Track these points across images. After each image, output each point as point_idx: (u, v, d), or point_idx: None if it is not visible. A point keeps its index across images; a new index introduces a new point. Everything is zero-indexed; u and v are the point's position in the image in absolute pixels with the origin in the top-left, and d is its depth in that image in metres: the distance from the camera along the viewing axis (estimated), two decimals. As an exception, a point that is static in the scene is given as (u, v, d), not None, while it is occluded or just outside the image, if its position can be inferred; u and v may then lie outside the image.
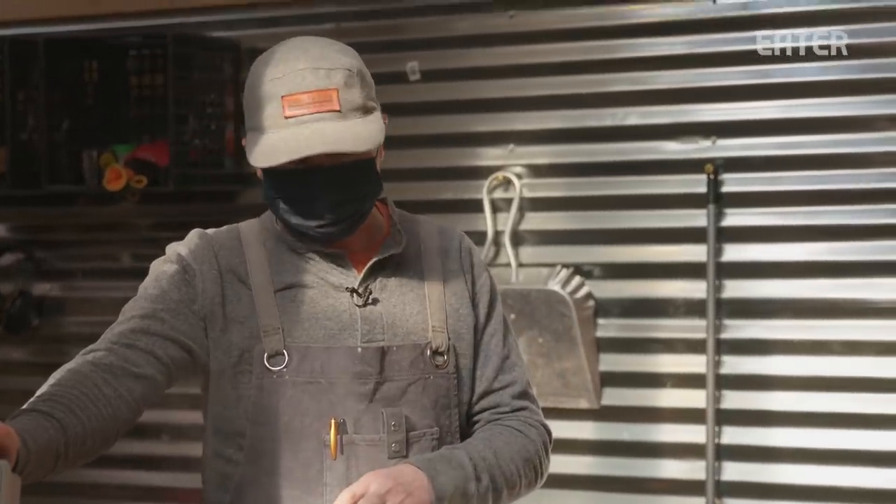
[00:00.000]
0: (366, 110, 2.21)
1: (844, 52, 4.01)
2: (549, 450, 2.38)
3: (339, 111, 2.16)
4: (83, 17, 4.87)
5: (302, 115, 2.16)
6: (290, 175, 2.19)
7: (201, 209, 4.73)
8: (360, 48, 4.45)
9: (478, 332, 2.35)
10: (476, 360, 2.34)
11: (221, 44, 4.64)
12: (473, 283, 2.37)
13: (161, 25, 4.74)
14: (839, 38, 4.03)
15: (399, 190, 4.43)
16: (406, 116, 4.48)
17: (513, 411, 2.35)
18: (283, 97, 2.17)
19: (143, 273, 4.08)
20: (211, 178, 4.62)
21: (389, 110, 4.39)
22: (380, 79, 4.42)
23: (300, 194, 2.20)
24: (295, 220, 2.23)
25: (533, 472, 2.33)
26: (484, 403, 2.34)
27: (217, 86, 4.62)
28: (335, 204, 2.20)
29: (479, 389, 2.34)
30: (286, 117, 2.16)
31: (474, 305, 2.35)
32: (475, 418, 2.35)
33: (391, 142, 4.40)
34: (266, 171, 2.21)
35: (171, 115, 4.45)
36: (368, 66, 4.51)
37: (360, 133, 2.18)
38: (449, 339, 2.29)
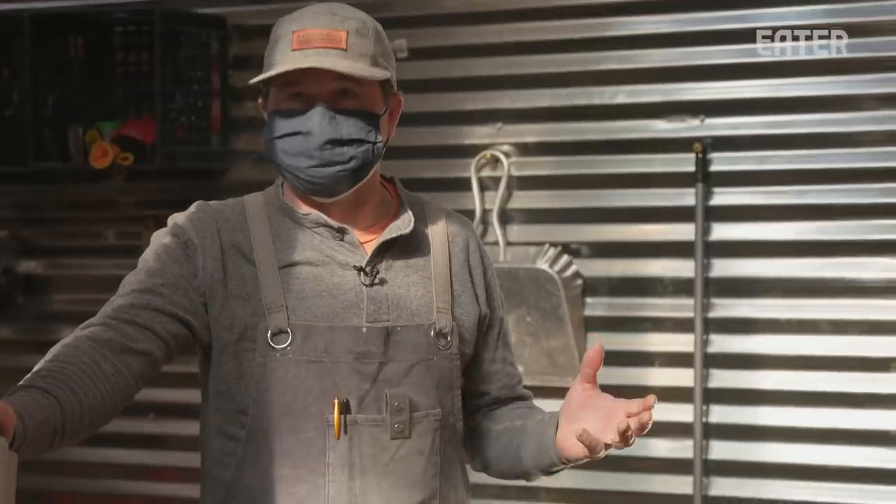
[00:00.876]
0: (374, 62, 2.20)
1: (833, 32, 4.02)
2: None
3: (344, 50, 2.17)
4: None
5: (308, 48, 2.17)
6: (289, 113, 2.20)
7: (188, 187, 4.71)
8: (348, 26, 4.48)
9: (494, 323, 2.38)
10: (492, 351, 2.39)
11: (209, 20, 4.61)
12: (485, 272, 2.39)
13: (148, 1, 4.71)
14: (828, 16, 4.04)
15: (387, 168, 4.41)
16: (393, 94, 4.47)
17: (528, 400, 2.46)
18: (293, 32, 2.18)
19: (129, 250, 4.07)
20: (198, 155, 4.60)
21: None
22: (368, 56, 4.45)
23: (295, 130, 2.19)
24: (287, 159, 2.21)
25: None
26: (504, 392, 2.42)
27: (204, 63, 4.59)
28: (329, 143, 2.19)
29: (500, 381, 2.40)
30: (293, 49, 2.17)
31: (489, 297, 2.37)
32: (492, 408, 2.40)
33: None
34: (271, 113, 2.22)
35: (158, 91, 4.43)
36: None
37: (362, 67, 2.17)
38: (453, 321, 2.29)
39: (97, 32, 4.75)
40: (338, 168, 2.21)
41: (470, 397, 2.38)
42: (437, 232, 2.35)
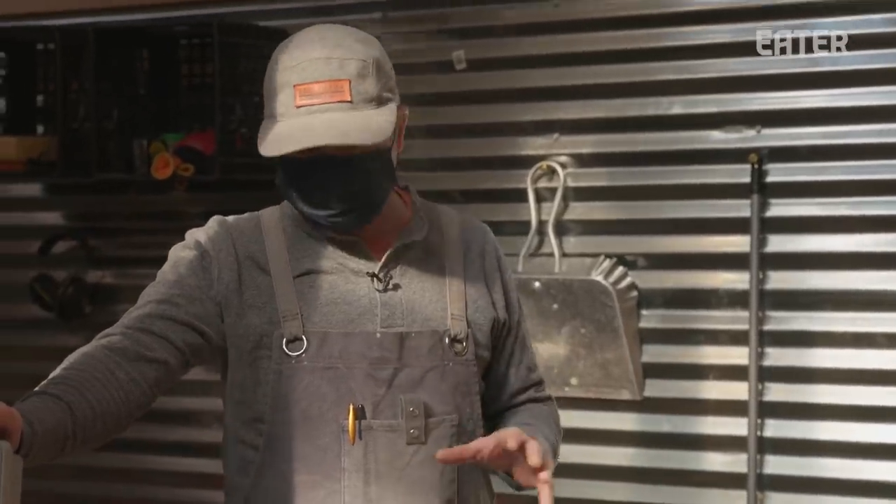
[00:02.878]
0: (380, 102, 2.19)
1: (890, 40, 3.96)
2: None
3: (350, 102, 2.16)
4: (134, 6, 4.91)
5: (312, 105, 2.15)
6: (301, 165, 2.19)
7: (246, 197, 4.73)
8: (407, 37, 4.55)
9: (511, 327, 2.38)
10: (509, 356, 2.39)
11: (268, 32, 4.66)
12: (502, 276, 2.38)
13: (211, 14, 4.77)
14: (887, 25, 3.98)
15: (444, 179, 4.46)
16: (452, 105, 4.49)
17: (544, 402, 2.45)
18: (295, 86, 2.17)
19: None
20: (255, 166, 4.63)
21: (435, 99, 4.47)
22: (426, 68, 4.52)
23: (310, 184, 2.21)
24: (306, 209, 2.23)
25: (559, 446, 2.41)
26: (517, 399, 2.41)
27: (263, 75, 4.62)
28: (345, 195, 2.20)
29: (514, 386, 2.40)
30: (297, 106, 2.16)
31: (507, 303, 2.37)
32: (512, 411, 2.39)
33: (437, 131, 4.48)
34: (281, 159, 2.22)
35: (217, 103, 4.48)
36: (414, 56, 4.57)
37: (370, 125, 2.17)
38: (468, 326, 2.29)
39: (163, 45, 4.82)
40: (356, 214, 2.23)
41: (489, 402, 2.39)
42: (453, 238, 2.35)
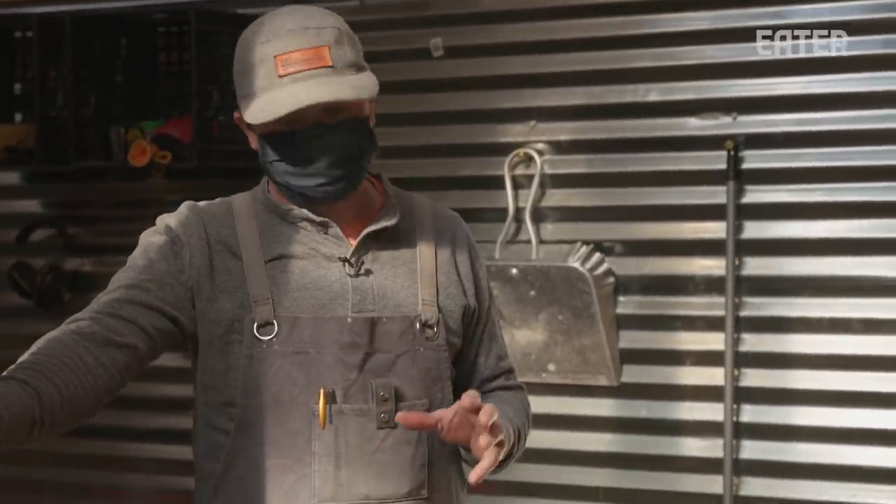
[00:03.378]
0: (358, 68, 2.22)
1: (865, 27, 3.97)
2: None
3: (332, 66, 2.18)
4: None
5: (296, 73, 2.17)
6: (289, 136, 2.21)
7: (224, 184, 4.71)
8: (385, 25, 4.55)
9: (481, 314, 2.39)
10: (478, 344, 2.40)
11: (246, 20, 4.61)
12: (473, 264, 2.39)
13: (189, 2, 4.76)
14: (863, 12, 3.99)
15: (421, 166, 4.46)
16: (429, 93, 4.50)
17: (514, 389, 2.46)
18: (275, 57, 2.17)
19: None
20: (233, 154, 4.63)
21: (412, 87, 4.48)
22: (403, 55, 4.51)
23: (300, 154, 2.21)
24: (295, 181, 2.23)
25: (523, 444, 2.39)
26: (489, 386, 2.42)
27: (240, 61, 4.61)
28: (335, 162, 2.21)
29: (484, 373, 2.41)
30: (280, 76, 2.17)
31: (477, 291, 2.38)
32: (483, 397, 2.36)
33: (415, 118, 4.48)
34: (265, 136, 2.23)
35: (194, 91, 4.47)
36: (392, 43, 4.57)
37: (356, 84, 2.19)
38: (439, 312, 2.30)
39: (140, 33, 4.81)
40: (345, 182, 2.24)
41: (460, 390, 2.38)
42: (425, 225, 2.36)
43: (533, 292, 4.23)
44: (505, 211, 4.36)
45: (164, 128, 4.67)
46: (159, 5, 4.81)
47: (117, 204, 5.03)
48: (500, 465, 2.24)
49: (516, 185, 4.39)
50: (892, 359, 3.98)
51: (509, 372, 2.46)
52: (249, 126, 2.27)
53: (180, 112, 4.73)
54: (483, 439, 2.13)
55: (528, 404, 2.47)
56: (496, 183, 4.40)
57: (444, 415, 2.11)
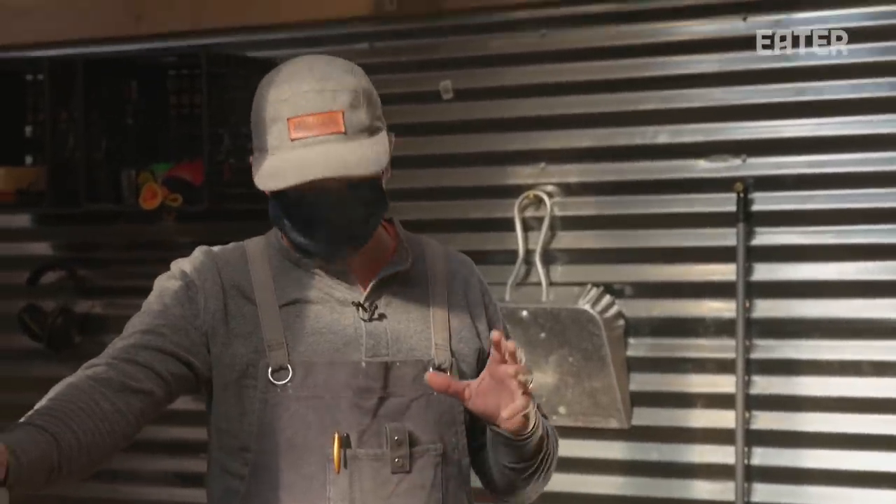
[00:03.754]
0: (372, 131, 2.22)
1: (874, 69, 3.99)
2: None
3: (344, 133, 2.18)
4: (123, 37, 4.93)
5: (307, 138, 2.17)
6: (297, 198, 2.21)
7: (235, 227, 4.73)
8: (394, 67, 4.57)
9: (484, 356, 2.35)
10: None
11: (256, 63, 4.68)
12: (486, 307, 2.39)
13: (199, 46, 4.79)
14: (870, 54, 4.00)
15: (430, 209, 4.47)
16: (439, 135, 4.51)
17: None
18: (288, 119, 2.18)
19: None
20: (245, 196, 4.64)
21: (422, 129, 4.50)
22: (413, 98, 4.53)
23: (307, 217, 2.22)
24: (301, 240, 2.24)
25: (554, 460, 2.37)
26: None
27: (251, 105, 4.64)
28: (342, 226, 2.22)
29: None
30: (292, 139, 2.17)
31: (491, 328, 2.36)
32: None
33: (424, 160, 4.50)
34: (275, 194, 2.23)
35: (206, 133, 4.49)
36: (402, 86, 4.59)
37: (366, 155, 2.19)
38: (452, 356, 2.30)
39: (151, 76, 4.84)
40: (347, 246, 2.25)
41: (473, 431, 2.38)
42: (437, 269, 2.36)
43: (543, 335, 4.23)
44: (515, 253, 4.36)
45: (174, 171, 4.69)
46: (170, 48, 4.84)
47: (128, 246, 5.05)
48: (533, 459, 2.25)
49: (526, 228, 4.40)
50: (902, 402, 3.97)
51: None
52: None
53: (191, 155, 4.75)
54: (510, 370, 2.11)
55: (554, 432, 2.41)
56: (506, 225, 4.41)
57: (472, 382, 2.13)
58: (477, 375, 2.33)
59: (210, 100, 4.50)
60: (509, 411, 2.12)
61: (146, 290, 5.28)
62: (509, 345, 2.11)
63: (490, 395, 2.14)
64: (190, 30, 4.88)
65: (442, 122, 4.51)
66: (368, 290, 2.28)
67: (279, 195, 2.22)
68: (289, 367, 2.23)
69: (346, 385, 2.23)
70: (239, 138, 4.62)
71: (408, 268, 2.32)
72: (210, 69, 4.50)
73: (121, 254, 5.06)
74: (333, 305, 2.27)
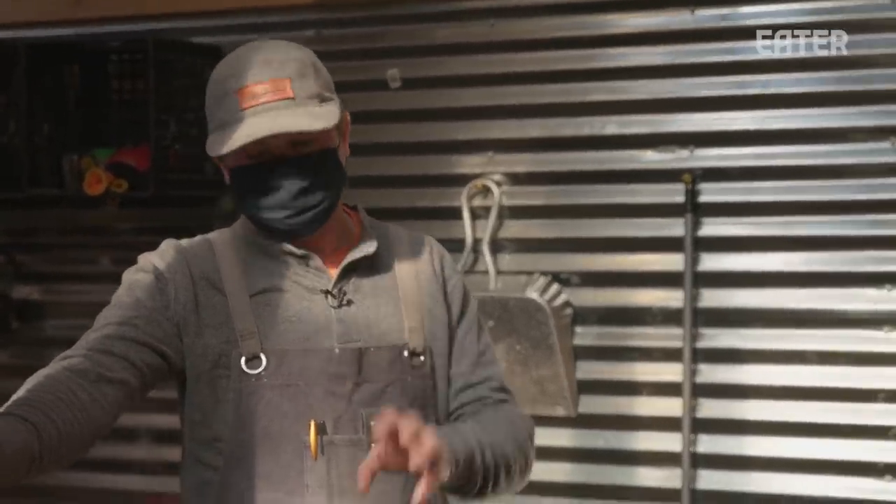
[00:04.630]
0: (322, 99, 2.23)
1: (820, 64, 4.05)
2: (534, 440, 2.39)
3: (293, 98, 2.19)
4: (64, 21, 4.87)
5: (257, 105, 2.18)
6: (254, 169, 2.22)
7: (181, 214, 4.74)
8: (341, 55, 4.55)
9: (452, 331, 2.37)
10: (450, 357, 2.36)
11: (203, 49, 4.65)
12: (445, 283, 2.39)
13: (142, 31, 4.75)
14: (816, 49, 4.06)
15: (379, 196, 4.46)
16: (386, 123, 4.51)
17: (495, 403, 2.37)
18: (237, 91, 2.19)
19: (122, 277, 4.00)
20: (191, 183, 4.62)
21: (370, 117, 4.49)
22: (360, 86, 4.52)
23: (265, 186, 2.23)
24: (262, 213, 2.25)
25: (524, 460, 2.34)
26: (463, 397, 2.36)
27: (198, 91, 4.56)
28: (300, 193, 2.22)
29: (456, 385, 2.36)
30: (242, 109, 2.19)
31: (448, 305, 2.38)
32: (457, 412, 2.36)
33: (372, 149, 4.49)
34: (233, 170, 2.24)
35: (152, 119, 4.46)
36: (349, 74, 4.58)
37: (316, 114, 2.20)
38: (425, 339, 2.31)
39: (93, 61, 4.78)
40: (312, 213, 2.25)
41: (448, 414, 2.37)
42: (403, 252, 2.38)
43: (491, 323, 4.25)
44: (463, 242, 4.38)
45: (117, 156, 4.64)
46: (115, 33, 4.79)
47: (68, 231, 5.00)
48: (469, 483, 2.19)
49: (474, 216, 4.42)
50: (845, 390, 4.04)
51: (489, 380, 2.37)
52: (221, 160, 2.27)
53: (134, 140, 4.70)
54: (416, 458, 2.01)
55: (521, 417, 2.38)
56: (454, 214, 4.43)
57: (377, 451, 2.04)
58: (448, 354, 2.34)
59: (157, 86, 4.46)
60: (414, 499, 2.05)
61: (85, 277, 5.25)
62: (403, 437, 2.00)
63: (398, 457, 2.03)
64: (132, 14, 4.83)
65: (389, 111, 4.51)
66: (335, 276, 2.29)
67: (236, 172, 2.24)
68: (262, 356, 2.23)
69: (321, 372, 2.23)
70: (184, 124, 4.59)
71: (374, 252, 2.33)
72: (157, 55, 4.46)
73: (61, 239, 5.01)
74: (302, 293, 2.27)
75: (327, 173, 2.25)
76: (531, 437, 2.38)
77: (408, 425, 2.02)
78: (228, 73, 2.21)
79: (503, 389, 2.40)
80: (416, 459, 2.00)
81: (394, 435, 2.01)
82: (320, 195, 2.24)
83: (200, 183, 4.65)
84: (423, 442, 2.01)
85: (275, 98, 2.18)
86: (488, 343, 2.42)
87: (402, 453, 2.03)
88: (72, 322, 4.90)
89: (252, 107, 2.18)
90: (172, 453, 4.62)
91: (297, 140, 2.21)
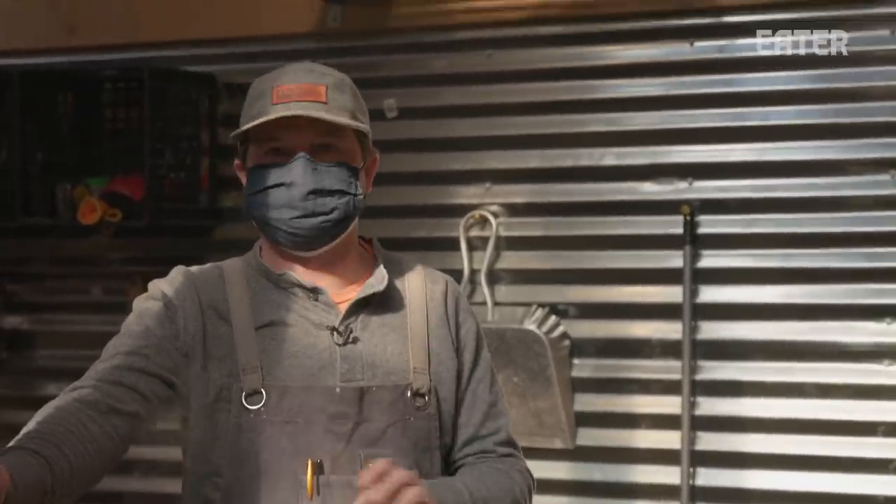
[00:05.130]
0: (353, 117, 2.23)
1: (820, 96, 4.05)
2: (532, 495, 2.36)
3: (325, 103, 2.20)
4: (58, 49, 4.85)
5: (289, 102, 2.19)
6: (271, 166, 2.22)
7: (175, 244, 4.72)
8: (338, 85, 4.49)
9: (462, 378, 2.34)
10: (460, 406, 2.33)
11: (198, 78, 4.63)
12: (458, 329, 2.36)
13: (136, 59, 4.73)
14: (814, 82, 4.06)
15: (376, 227, 4.39)
16: (383, 153, 4.40)
17: (498, 457, 2.35)
18: (273, 88, 2.21)
19: (115, 307, 4.06)
20: (186, 212, 4.59)
21: (366, 147, 4.42)
22: (357, 115, 4.45)
23: (279, 181, 2.21)
24: (269, 213, 2.23)
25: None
26: (468, 450, 2.34)
27: (193, 120, 4.61)
28: (311, 193, 2.21)
29: (464, 436, 2.33)
30: (273, 103, 2.20)
31: (459, 351, 2.34)
32: (459, 463, 2.33)
33: (368, 179, 4.43)
34: (253, 167, 2.24)
35: (147, 148, 4.43)
36: (346, 103, 4.50)
37: (343, 118, 2.20)
38: (430, 380, 2.28)
39: (86, 89, 4.76)
40: (321, 219, 2.23)
41: (448, 457, 2.35)
42: (415, 289, 2.34)
43: (489, 356, 4.21)
44: (460, 272, 4.35)
45: (111, 185, 4.62)
46: (110, 62, 4.77)
47: (60, 262, 4.97)
48: None
49: (471, 247, 4.40)
50: (844, 423, 4.02)
51: (495, 434, 2.35)
52: (243, 164, 2.28)
53: (126, 170, 4.68)
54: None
55: (520, 471, 2.36)
56: (451, 244, 4.40)
57: (363, 499, 2.05)
58: (455, 398, 2.32)
59: (152, 115, 4.43)
60: None
61: (76, 306, 5.20)
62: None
63: None
64: (126, 43, 4.81)
65: (386, 140, 4.44)
66: (343, 312, 2.26)
67: (257, 168, 2.23)
68: (262, 391, 2.20)
69: (321, 410, 2.20)
70: (179, 153, 4.57)
71: (384, 289, 2.29)
72: (152, 84, 4.44)
73: (52, 269, 4.98)
74: (308, 328, 2.24)
75: (343, 185, 2.23)
76: (530, 491, 2.36)
77: (397, 475, 2.03)
78: (268, 78, 2.24)
79: (509, 443, 2.37)
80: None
81: (381, 481, 2.02)
82: (332, 203, 2.22)
83: (195, 212, 4.63)
84: (410, 492, 2.02)
85: (307, 98, 2.19)
86: (499, 393, 2.40)
87: (390, 500, 2.03)
88: (63, 352, 4.88)
89: (283, 102, 2.19)
90: (165, 485, 4.63)
91: (319, 144, 2.21)
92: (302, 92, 2.19)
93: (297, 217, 2.22)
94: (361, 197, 2.26)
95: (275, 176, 2.22)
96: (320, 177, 2.21)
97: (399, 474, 2.04)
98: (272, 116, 2.17)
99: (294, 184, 2.20)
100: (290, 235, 2.24)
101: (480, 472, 2.29)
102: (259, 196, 2.23)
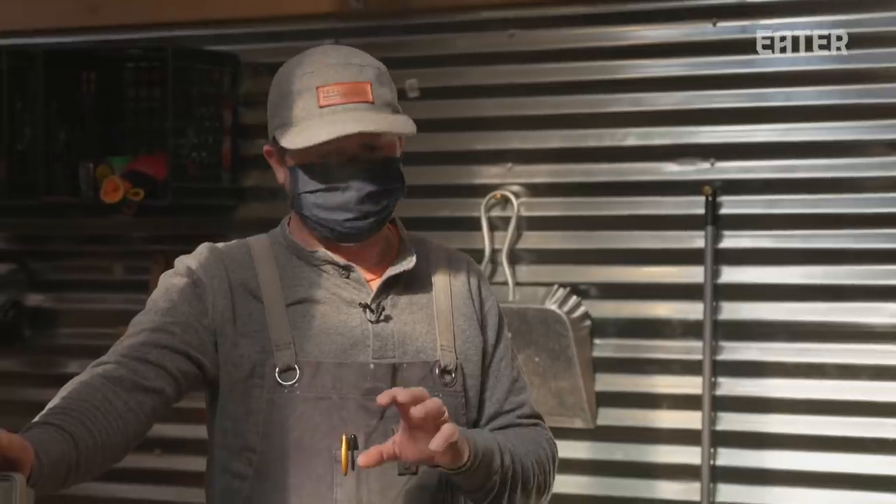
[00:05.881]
0: (395, 109, 2.25)
1: (842, 77, 4.04)
2: (556, 464, 2.39)
3: (372, 103, 2.20)
4: (82, 28, 4.86)
5: (336, 105, 2.18)
6: (325, 167, 2.22)
7: (197, 223, 4.73)
8: (360, 65, 4.49)
9: (486, 356, 2.37)
10: (485, 383, 2.36)
11: (221, 58, 4.64)
12: (482, 307, 2.39)
13: (159, 38, 4.74)
14: (838, 63, 4.05)
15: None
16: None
17: (525, 428, 2.38)
18: (317, 88, 2.19)
19: (137, 285, 4.07)
20: (208, 191, 4.61)
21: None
22: (379, 96, 4.46)
23: (334, 186, 2.22)
24: (322, 213, 2.24)
25: (543, 477, 2.34)
26: (494, 424, 2.36)
27: (215, 100, 4.62)
28: (367, 197, 2.23)
29: (489, 411, 2.36)
30: (321, 106, 2.19)
31: (482, 328, 2.37)
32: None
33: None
34: (300, 166, 2.24)
35: (170, 128, 4.45)
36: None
37: (396, 120, 2.22)
38: (457, 358, 2.30)
39: (109, 68, 4.78)
40: (373, 220, 2.26)
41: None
42: (440, 269, 2.37)
43: (509, 334, 4.21)
44: (481, 252, 4.36)
45: (134, 164, 4.64)
46: (133, 40, 4.78)
47: (82, 240, 4.98)
48: (485, 487, 2.20)
49: (492, 227, 4.40)
50: (866, 404, 4.02)
51: (521, 407, 2.38)
52: (282, 158, 2.28)
53: (149, 149, 4.70)
54: (418, 414, 2.04)
55: (546, 440, 2.38)
56: (472, 224, 4.41)
57: (396, 437, 2.09)
58: (481, 375, 2.34)
59: (175, 93, 4.45)
60: (435, 444, 2.04)
61: (98, 284, 5.23)
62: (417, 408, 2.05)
63: (418, 442, 2.08)
64: (149, 22, 4.82)
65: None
66: (375, 291, 2.28)
67: (306, 167, 2.23)
68: (296, 367, 2.21)
69: (354, 386, 2.22)
70: (202, 133, 4.58)
71: (412, 268, 2.32)
72: (175, 63, 4.45)
73: (74, 247, 5.00)
74: (340, 306, 2.26)
75: (392, 182, 2.26)
76: (554, 459, 2.38)
77: (431, 403, 2.03)
78: (305, 71, 2.21)
79: (534, 416, 2.41)
80: (434, 444, 2.03)
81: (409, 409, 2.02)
82: (384, 202, 2.25)
83: (217, 191, 4.64)
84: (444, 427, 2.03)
85: (354, 100, 2.19)
86: (520, 368, 2.43)
87: (420, 440, 2.05)
88: (84, 330, 4.90)
89: (331, 105, 2.18)
90: (181, 462, 4.65)
91: (368, 143, 2.22)
92: (348, 92, 2.19)
93: (352, 219, 2.24)
94: (403, 187, 2.30)
95: (326, 178, 2.23)
96: (373, 179, 2.23)
97: (434, 404, 2.05)
98: (332, 136, 2.16)
99: (349, 188, 2.22)
100: (341, 234, 2.26)
101: (506, 434, 2.32)
102: (309, 196, 2.24)
